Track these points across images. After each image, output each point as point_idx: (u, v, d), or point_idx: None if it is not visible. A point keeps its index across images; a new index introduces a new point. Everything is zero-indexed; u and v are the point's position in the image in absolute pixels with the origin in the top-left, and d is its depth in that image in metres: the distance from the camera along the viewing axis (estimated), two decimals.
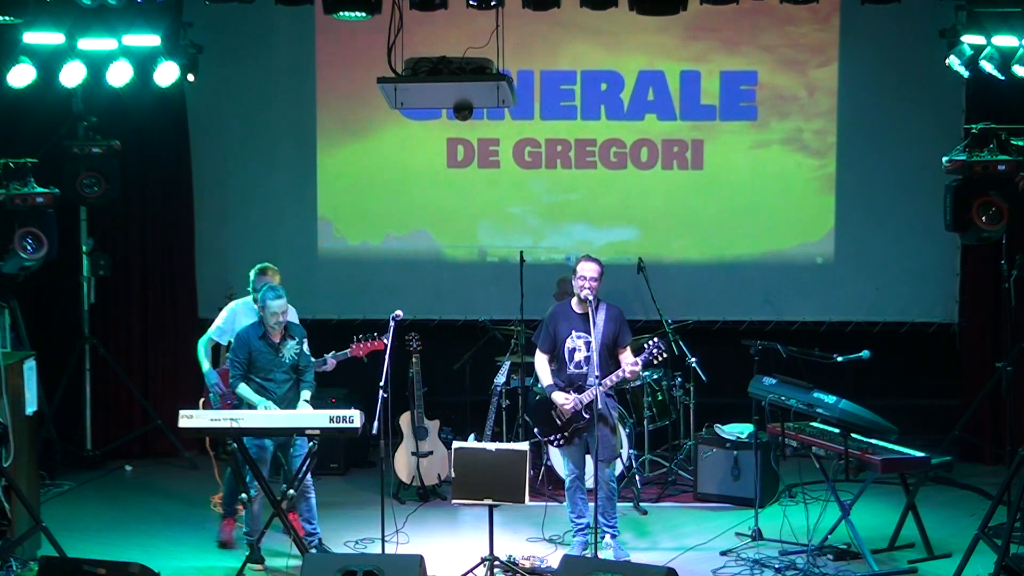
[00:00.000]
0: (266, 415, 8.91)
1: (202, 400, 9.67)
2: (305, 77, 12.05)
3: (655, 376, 10.87)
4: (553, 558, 9.04)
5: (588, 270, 9.12)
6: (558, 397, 9.15)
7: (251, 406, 9.03)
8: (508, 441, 10.48)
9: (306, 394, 9.18)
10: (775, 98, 11.96)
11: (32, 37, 9.97)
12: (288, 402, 9.14)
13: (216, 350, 9.85)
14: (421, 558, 8.13)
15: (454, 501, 8.94)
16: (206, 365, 9.64)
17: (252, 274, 9.64)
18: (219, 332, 9.70)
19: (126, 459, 11.64)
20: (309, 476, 9.15)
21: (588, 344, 9.09)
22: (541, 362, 9.33)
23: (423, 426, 10.62)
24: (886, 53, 11.74)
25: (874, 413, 9.08)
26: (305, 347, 9.27)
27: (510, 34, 8.75)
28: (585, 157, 12.08)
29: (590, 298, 9.07)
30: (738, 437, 10.40)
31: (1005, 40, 9.76)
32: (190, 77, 11.12)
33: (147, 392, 11.88)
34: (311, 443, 8.82)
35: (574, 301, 9.25)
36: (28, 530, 8.96)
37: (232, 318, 9.63)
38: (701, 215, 12.10)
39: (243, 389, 9.13)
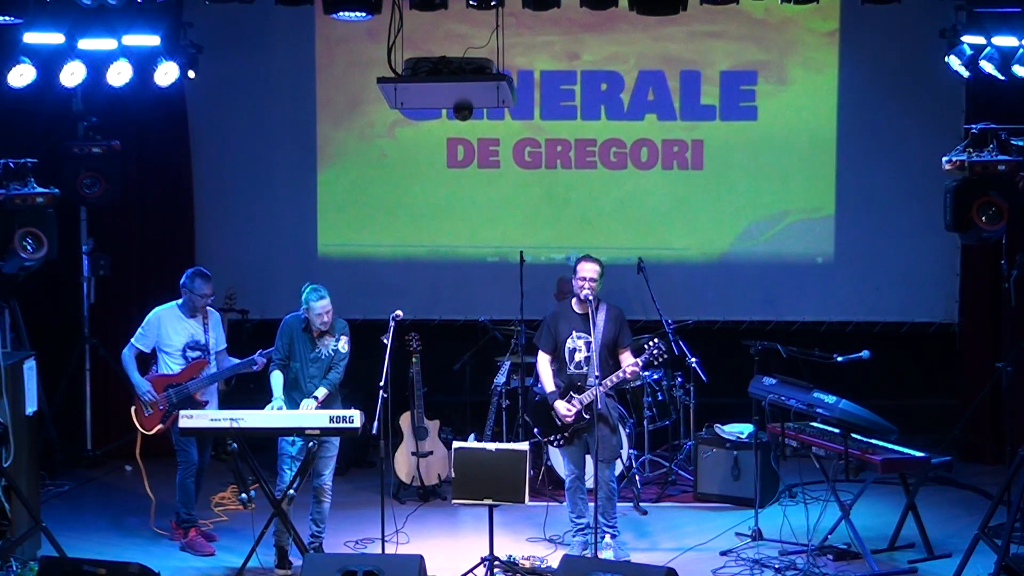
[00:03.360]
0: (266, 415, 8.91)
1: (133, 408, 9.55)
2: (305, 77, 12.06)
3: (655, 376, 10.87)
4: (553, 558, 9.04)
5: (588, 270, 9.12)
6: (560, 407, 9.13)
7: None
8: (508, 441, 10.48)
9: (320, 391, 9.08)
10: (775, 98, 11.95)
11: (32, 37, 9.96)
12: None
13: (142, 360, 9.63)
14: (421, 558, 8.12)
15: (454, 501, 8.93)
16: (135, 376, 9.51)
17: (185, 277, 9.59)
18: (141, 339, 9.55)
19: (126, 459, 11.61)
20: (330, 480, 9.16)
21: (588, 344, 9.09)
22: (543, 363, 9.33)
23: (423, 426, 10.61)
24: (886, 53, 11.74)
25: (874, 413, 9.09)
26: (342, 344, 9.17)
27: (510, 34, 8.75)
28: (585, 157, 12.08)
29: (590, 298, 9.07)
30: (738, 437, 10.40)
31: (1005, 40, 9.76)
32: (190, 73, 11.13)
33: None
34: (311, 443, 8.83)
35: (574, 301, 9.25)
36: (28, 530, 8.96)
37: (156, 325, 9.52)
38: (701, 215, 12.10)
39: (274, 378, 9.14)
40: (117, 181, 11.13)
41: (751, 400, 9.49)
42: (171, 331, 9.51)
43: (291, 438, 8.99)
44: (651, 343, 9.11)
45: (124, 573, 7.92)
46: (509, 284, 11.00)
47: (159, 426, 9.50)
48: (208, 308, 9.61)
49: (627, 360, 9.14)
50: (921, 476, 9.44)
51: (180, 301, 9.57)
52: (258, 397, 9.51)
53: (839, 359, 9.46)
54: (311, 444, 8.83)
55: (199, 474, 9.61)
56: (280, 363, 9.16)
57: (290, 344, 9.14)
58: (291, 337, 9.14)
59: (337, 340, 9.17)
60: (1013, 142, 9.15)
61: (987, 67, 9.87)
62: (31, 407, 9.27)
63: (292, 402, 9.07)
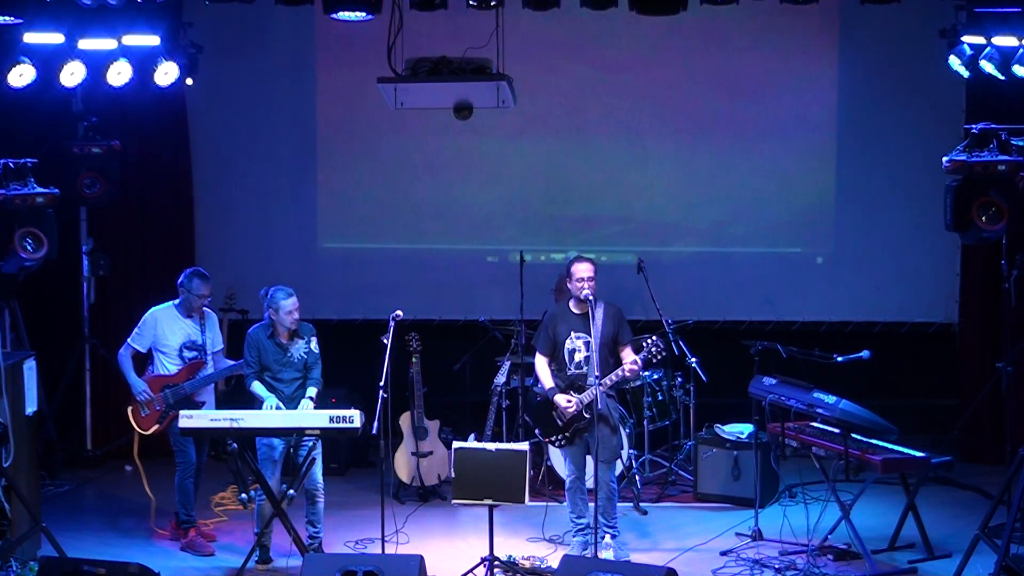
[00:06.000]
0: (266, 415, 8.92)
1: (130, 408, 9.57)
2: (305, 77, 12.05)
3: (655, 376, 10.87)
4: (553, 558, 9.04)
5: (586, 270, 9.12)
6: (560, 399, 9.14)
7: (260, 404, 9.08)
8: (508, 441, 10.48)
9: (311, 391, 9.16)
10: (775, 98, 11.95)
11: (32, 37, 9.96)
12: (296, 401, 9.14)
13: (138, 360, 9.66)
14: (421, 558, 8.13)
15: (454, 501, 8.93)
16: (132, 376, 9.53)
17: (183, 276, 9.60)
18: (137, 340, 9.57)
19: (126, 459, 11.61)
20: (320, 478, 9.16)
21: (588, 344, 9.09)
22: (541, 364, 9.32)
23: (423, 426, 10.62)
24: (886, 53, 11.74)
25: (874, 413, 9.08)
26: (314, 345, 9.25)
27: (510, 34, 8.75)
28: (586, 157, 12.05)
29: (591, 298, 9.07)
30: (738, 437, 10.40)
31: (1005, 40, 9.76)
32: (189, 81, 11.11)
33: None
34: (311, 443, 8.83)
35: (572, 302, 9.25)
36: (28, 530, 8.96)
37: (153, 324, 9.53)
38: (701, 215, 12.10)
39: (256, 387, 9.15)
40: (117, 181, 11.13)
41: (751, 400, 9.49)
42: (168, 331, 9.51)
43: (274, 442, 9.01)
44: (649, 341, 9.13)
45: (124, 573, 7.93)
46: (509, 284, 11.00)
47: (156, 426, 9.51)
48: (205, 309, 9.61)
49: (628, 357, 9.13)
50: (921, 476, 9.44)
51: (177, 301, 9.58)
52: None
53: (839, 359, 9.46)
54: (310, 443, 8.85)
55: (197, 474, 9.62)
56: (255, 375, 9.17)
57: (259, 354, 9.15)
58: (259, 348, 9.16)
59: (308, 342, 9.21)
60: (1013, 142, 9.15)
61: (987, 67, 9.86)
62: (31, 407, 9.27)
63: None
